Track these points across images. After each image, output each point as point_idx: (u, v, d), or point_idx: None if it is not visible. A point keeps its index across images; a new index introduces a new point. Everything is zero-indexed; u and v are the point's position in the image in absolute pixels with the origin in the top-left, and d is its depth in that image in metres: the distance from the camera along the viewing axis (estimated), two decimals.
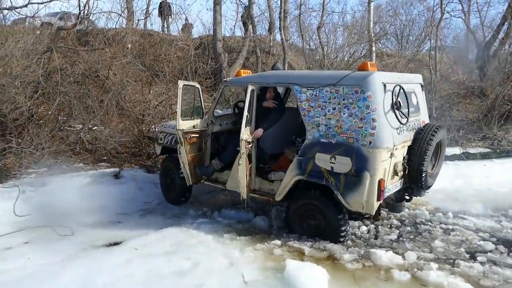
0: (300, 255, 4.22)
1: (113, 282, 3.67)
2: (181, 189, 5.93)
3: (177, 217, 5.54)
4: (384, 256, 4.04)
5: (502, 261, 4.08)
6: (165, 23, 15.30)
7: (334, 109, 4.38)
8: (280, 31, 11.87)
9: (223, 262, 4.01)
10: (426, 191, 4.95)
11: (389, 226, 5.10)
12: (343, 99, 4.31)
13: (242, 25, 15.02)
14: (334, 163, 4.33)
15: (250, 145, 4.76)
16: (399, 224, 5.17)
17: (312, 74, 5.04)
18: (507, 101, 11.34)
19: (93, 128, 7.85)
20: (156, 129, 7.16)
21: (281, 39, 11.32)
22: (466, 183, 7.04)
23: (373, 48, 12.50)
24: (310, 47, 13.04)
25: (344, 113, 4.31)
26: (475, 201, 6.03)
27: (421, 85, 5.20)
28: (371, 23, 12.69)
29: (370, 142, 4.12)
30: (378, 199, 4.17)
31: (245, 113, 4.56)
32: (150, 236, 4.73)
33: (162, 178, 6.26)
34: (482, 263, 4.02)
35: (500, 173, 8.54)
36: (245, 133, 4.62)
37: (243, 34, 14.33)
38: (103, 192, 6.34)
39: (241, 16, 14.70)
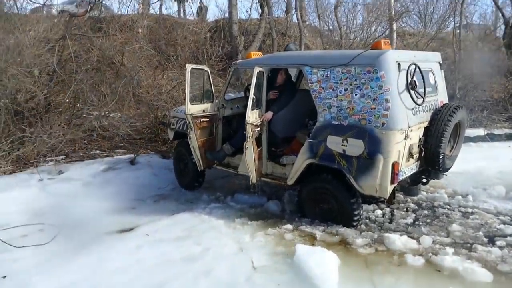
0: (312, 239, 4.15)
1: (123, 268, 3.70)
2: (194, 174, 5.91)
3: (190, 202, 5.54)
4: (398, 241, 3.92)
5: None
6: (181, 7, 15.19)
7: (346, 90, 4.22)
8: (296, 11, 11.56)
9: (233, 248, 3.98)
10: (444, 173, 4.76)
11: (405, 209, 4.96)
12: (355, 80, 4.15)
13: (258, 7, 14.74)
14: (346, 146, 4.20)
15: (258, 129, 4.67)
16: (416, 207, 5.02)
17: (323, 54, 4.87)
18: None
19: (108, 115, 7.91)
20: (169, 114, 7.14)
21: (297, 19, 11.02)
22: (489, 165, 6.78)
23: (394, 27, 12.05)
24: (328, 28, 12.71)
25: (356, 94, 4.15)
26: (497, 183, 5.79)
27: (440, 64, 4.96)
28: (392, 0, 12.21)
29: (384, 124, 3.97)
30: (392, 183, 4.04)
31: (251, 95, 4.45)
32: (162, 221, 4.74)
33: (176, 163, 6.26)
34: (500, 248, 3.85)
35: None
36: (251, 117, 4.53)
37: (259, 16, 14.07)
38: (118, 178, 6.41)
39: None
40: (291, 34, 13.24)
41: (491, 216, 4.67)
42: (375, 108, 4.02)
